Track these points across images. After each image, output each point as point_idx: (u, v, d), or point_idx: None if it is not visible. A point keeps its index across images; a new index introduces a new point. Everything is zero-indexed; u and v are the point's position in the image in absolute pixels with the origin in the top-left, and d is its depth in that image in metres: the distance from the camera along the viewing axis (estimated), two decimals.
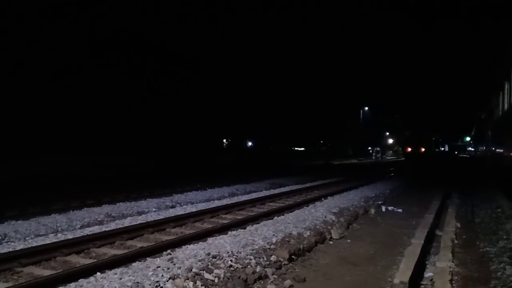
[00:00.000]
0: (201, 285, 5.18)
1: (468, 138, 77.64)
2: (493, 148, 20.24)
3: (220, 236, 7.68)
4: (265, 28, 72.83)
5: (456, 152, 74.24)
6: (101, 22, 32.70)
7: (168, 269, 5.51)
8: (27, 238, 8.00)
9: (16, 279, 5.70)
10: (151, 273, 5.34)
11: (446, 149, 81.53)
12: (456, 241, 8.32)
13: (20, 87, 25.72)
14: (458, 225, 9.89)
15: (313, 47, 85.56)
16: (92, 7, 32.33)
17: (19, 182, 17.19)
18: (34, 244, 7.16)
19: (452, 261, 6.60)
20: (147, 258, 6.35)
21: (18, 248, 6.85)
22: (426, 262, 6.96)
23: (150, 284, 4.99)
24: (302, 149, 67.42)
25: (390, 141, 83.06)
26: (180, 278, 5.20)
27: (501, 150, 15.26)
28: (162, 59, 38.27)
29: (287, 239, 7.45)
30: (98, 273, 5.51)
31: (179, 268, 5.54)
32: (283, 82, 54.71)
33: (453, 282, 5.90)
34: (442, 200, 13.72)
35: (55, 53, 28.52)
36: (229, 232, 8.21)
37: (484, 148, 32.52)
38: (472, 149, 78.30)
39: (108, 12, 33.10)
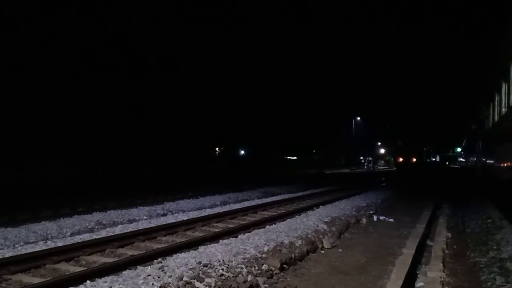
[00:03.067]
0: None
1: (459, 149, 78.36)
2: (484, 159, 20.41)
3: (212, 245, 7.64)
4: (258, 36, 73.10)
5: (447, 163, 74.85)
6: (95, 25, 32.64)
7: (158, 277, 5.48)
8: (16, 245, 7.91)
9: (4, 287, 5.64)
10: (141, 281, 5.31)
11: (437, 159, 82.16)
12: (447, 251, 8.36)
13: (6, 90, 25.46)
14: (449, 235, 9.94)
15: (306, 56, 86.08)
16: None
17: (7, 189, 17.00)
18: (24, 252, 7.09)
19: (443, 271, 6.62)
20: (138, 266, 6.30)
21: (7, 255, 6.77)
22: (417, 272, 6.98)
23: None
24: (295, 158, 67.53)
25: (382, 151, 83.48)
26: (170, 287, 5.17)
27: (492, 161, 15.40)
28: (155, 65, 38.28)
29: (278, 248, 7.44)
30: (88, 281, 5.47)
31: (170, 276, 5.51)
32: (276, 90, 54.84)
33: None
34: (433, 211, 13.79)
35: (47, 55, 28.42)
36: (221, 240, 8.20)
37: (475, 158, 32.78)
38: (463, 160, 79.09)
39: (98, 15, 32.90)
